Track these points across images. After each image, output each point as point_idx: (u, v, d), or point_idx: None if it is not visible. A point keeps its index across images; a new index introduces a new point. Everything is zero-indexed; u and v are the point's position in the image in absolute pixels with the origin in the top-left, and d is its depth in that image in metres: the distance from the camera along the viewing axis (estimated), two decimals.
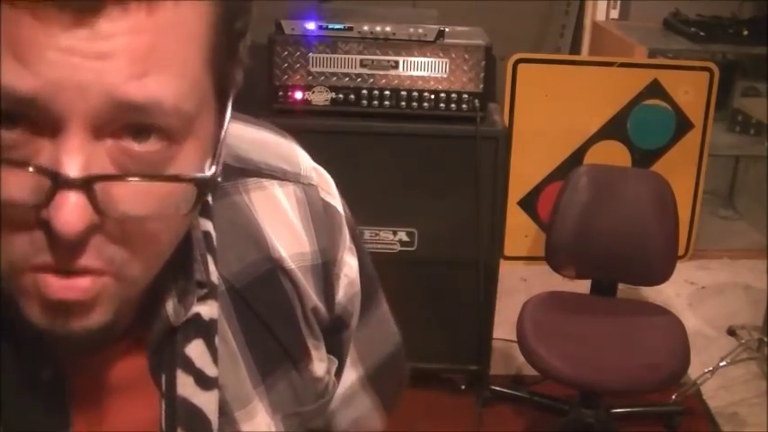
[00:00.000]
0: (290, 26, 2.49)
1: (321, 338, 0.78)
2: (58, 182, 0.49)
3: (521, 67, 3.42)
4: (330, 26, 2.49)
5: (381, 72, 2.50)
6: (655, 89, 3.42)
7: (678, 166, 3.46)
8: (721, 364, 2.94)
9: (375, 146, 2.54)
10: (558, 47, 4.27)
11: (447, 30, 2.51)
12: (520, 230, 3.56)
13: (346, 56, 2.49)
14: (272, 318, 0.73)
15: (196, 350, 0.66)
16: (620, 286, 2.70)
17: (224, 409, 0.69)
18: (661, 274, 2.58)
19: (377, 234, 2.59)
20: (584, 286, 2.71)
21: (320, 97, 2.52)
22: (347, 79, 2.50)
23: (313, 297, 0.75)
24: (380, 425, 0.94)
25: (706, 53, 3.67)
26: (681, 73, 3.45)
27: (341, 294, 0.78)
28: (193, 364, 0.66)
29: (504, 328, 2.86)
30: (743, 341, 3.08)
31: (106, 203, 0.51)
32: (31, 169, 0.50)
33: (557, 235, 2.60)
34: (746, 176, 4.19)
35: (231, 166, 0.71)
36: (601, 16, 4.06)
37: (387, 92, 2.51)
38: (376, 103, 2.51)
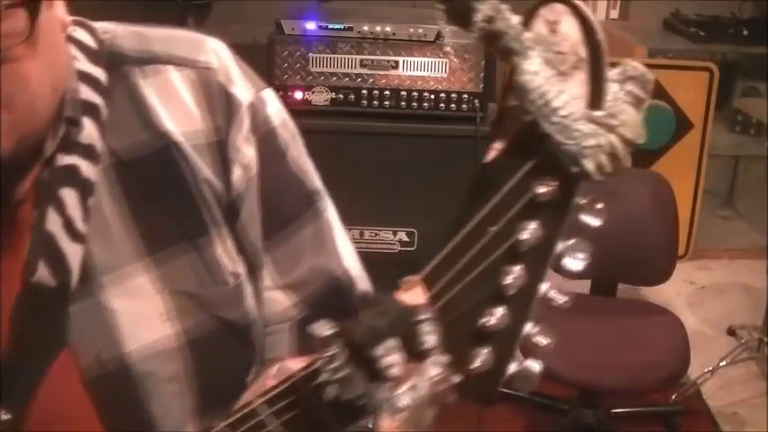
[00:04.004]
0: (290, 26, 2.49)
1: (223, 224, 0.80)
2: None
3: None
4: (330, 26, 2.49)
5: (381, 72, 2.50)
6: (655, 89, 3.41)
7: (678, 166, 3.46)
8: (721, 364, 2.93)
9: (375, 146, 2.54)
10: None
11: (447, 30, 2.51)
12: None
13: (346, 56, 2.49)
14: (165, 194, 0.78)
15: (70, 198, 0.73)
16: (620, 286, 2.70)
17: (87, 274, 0.74)
18: (661, 274, 2.58)
19: (377, 234, 2.59)
20: (584, 286, 2.71)
21: (320, 97, 2.52)
22: (347, 79, 2.50)
23: (204, 170, 0.78)
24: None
25: (706, 53, 3.67)
26: (681, 73, 3.45)
27: (234, 178, 0.80)
28: (65, 209, 0.73)
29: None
30: (743, 341, 3.08)
31: None
32: None
33: None
34: (746, 176, 4.19)
35: (129, 56, 0.80)
36: (601, 16, 4.05)
37: (387, 92, 2.51)
38: (376, 103, 2.51)
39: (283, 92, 2.50)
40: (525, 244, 0.56)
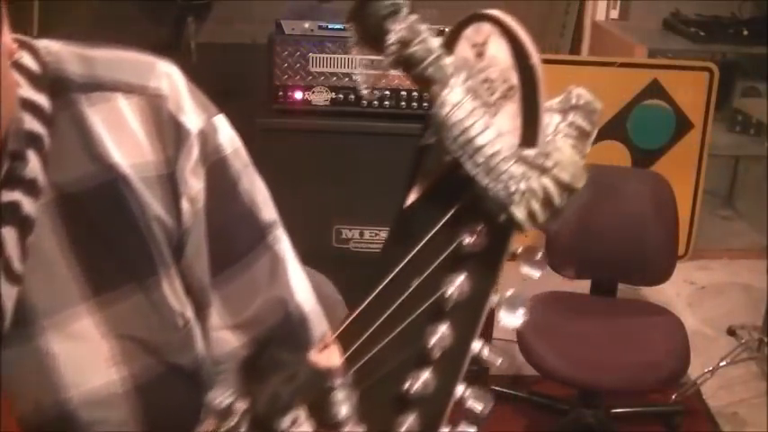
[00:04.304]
0: (290, 26, 2.49)
1: (172, 263, 0.76)
2: None
3: None
4: (330, 26, 2.49)
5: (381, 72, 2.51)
6: (655, 89, 3.42)
7: (678, 166, 3.46)
8: (721, 364, 2.93)
9: (375, 146, 2.54)
10: (558, 47, 4.26)
11: (447, 30, 2.51)
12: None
13: (346, 56, 2.49)
14: (111, 231, 0.73)
15: (9, 237, 0.69)
16: (620, 286, 2.70)
17: (26, 317, 0.70)
18: (661, 274, 2.58)
19: (377, 234, 2.59)
20: (584, 286, 2.71)
21: (320, 97, 2.52)
22: (347, 79, 2.51)
23: (154, 205, 0.74)
24: None
25: (706, 53, 3.67)
26: (681, 73, 3.45)
27: (183, 212, 0.76)
28: (4, 249, 0.68)
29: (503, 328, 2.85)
30: (743, 341, 3.08)
31: None
32: None
33: (557, 235, 2.60)
34: (746, 176, 4.19)
35: (75, 82, 0.75)
36: (601, 16, 4.06)
37: (387, 92, 2.51)
38: (376, 103, 2.51)
39: (283, 92, 2.50)
40: (451, 300, 0.49)
